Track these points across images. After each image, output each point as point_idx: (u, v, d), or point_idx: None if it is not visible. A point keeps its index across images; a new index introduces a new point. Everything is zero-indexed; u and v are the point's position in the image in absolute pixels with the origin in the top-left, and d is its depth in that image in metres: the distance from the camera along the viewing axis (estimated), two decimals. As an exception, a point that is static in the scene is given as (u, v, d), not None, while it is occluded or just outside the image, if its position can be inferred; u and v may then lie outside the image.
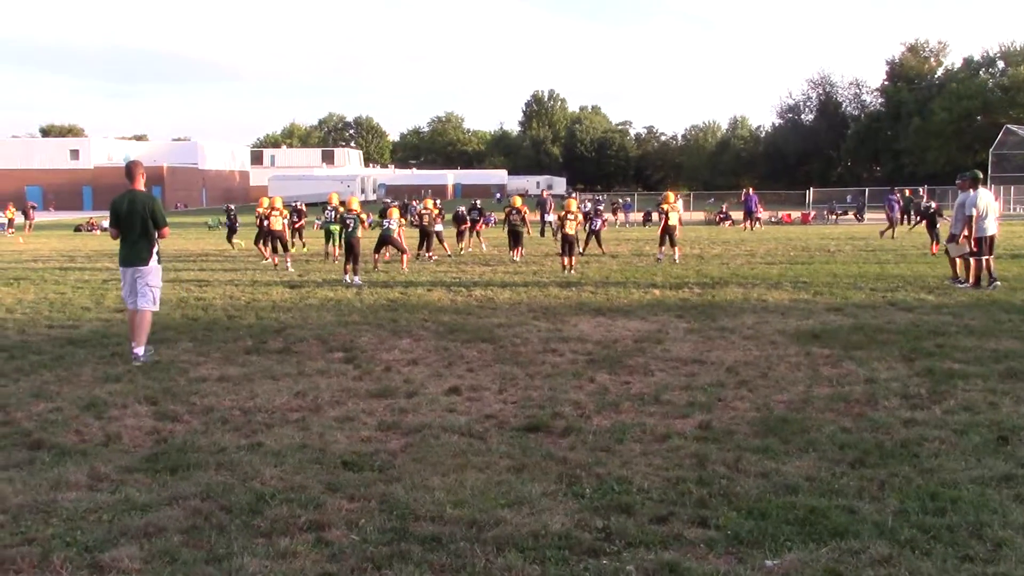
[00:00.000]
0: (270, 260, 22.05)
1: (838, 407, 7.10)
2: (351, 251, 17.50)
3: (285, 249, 20.97)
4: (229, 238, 28.50)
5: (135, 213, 9.45)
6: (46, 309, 13.66)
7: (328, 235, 22.90)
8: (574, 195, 42.91)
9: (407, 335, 10.84)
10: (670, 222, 21.42)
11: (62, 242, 35.20)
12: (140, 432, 6.65)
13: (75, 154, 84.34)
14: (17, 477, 5.60)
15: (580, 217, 20.70)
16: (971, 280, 14.82)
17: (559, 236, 20.87)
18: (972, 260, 14.81)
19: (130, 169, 9.73)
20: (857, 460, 5.73)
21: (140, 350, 9.35)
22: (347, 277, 17.28)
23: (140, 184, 9.69)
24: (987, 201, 14.80)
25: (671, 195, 23.00)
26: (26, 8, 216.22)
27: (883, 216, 33.76)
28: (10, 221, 45.68)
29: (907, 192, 37.98)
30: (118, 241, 9.67)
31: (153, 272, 9.55)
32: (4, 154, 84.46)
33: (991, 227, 14.74)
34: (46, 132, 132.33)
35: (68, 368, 8.97)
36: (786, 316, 12.02)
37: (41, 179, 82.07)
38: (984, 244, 14.68)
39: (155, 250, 9.60)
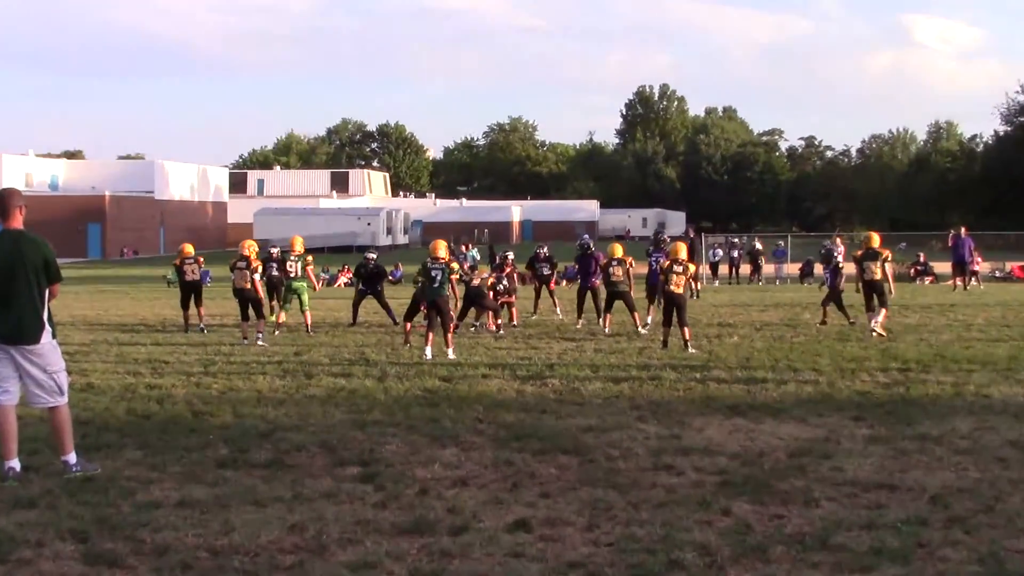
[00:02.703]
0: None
1: (1105, 559, 6.89)
2: (439, 313, 18.48)
3: (259, 315, 21.24)
4: None
5: (17, 265, 9.20)
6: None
7: (275, 293, 23.68)
8: (690, 234, 42.37)
9: (452, 442, 10.86)
10: (871, 276, 21.11)
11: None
12: (63, 582, 6.66)
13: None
14: None
15: (692, 269, 20.58)
16: None
17: (658, 298, 20.78)
18: None
19: (2, 201, 9.37)
20: None
21: (72, 456, 9.50)
22: (426, 351, 18.03)
23: (18, 222, 9.37)
24: None
25: (875, 236, 22.66)
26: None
27: None
28: None
29: None
30: None
31: (49, 351, 9.39)
32: None
33: None
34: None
35: (-37, 486, 9.08)
36: (1021, 419, 11.81)
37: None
38: None
39: (47, 318, 9.42)
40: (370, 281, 25.07)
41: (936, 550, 7.18)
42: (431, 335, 18.46)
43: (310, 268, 24.18)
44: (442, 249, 19.13)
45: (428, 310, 18.99)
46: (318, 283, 31.02)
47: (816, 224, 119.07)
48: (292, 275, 23.49)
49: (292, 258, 23.59)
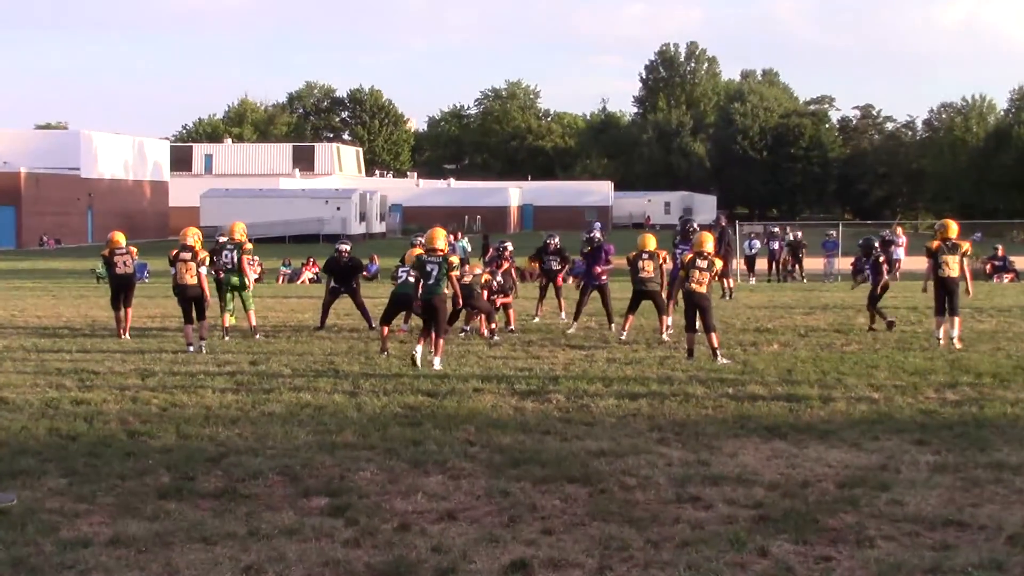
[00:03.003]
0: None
1: None
2: (433, 316, 18.39)
3: (201, 316, 21.06)
4: None
5: None
6: None
7: (223, 293, 23.43)
8: (722, 222, 42.35)
9: (438, 469, 10.91)
10: (948, 273, 20.93)
11: None
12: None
13: None
14: None
15: (718, 266, 20.41)
16: None
17: (676, 296, 20.70)
18: None
19: None
20: None
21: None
22: (416, 350, 18.16)
23: None
24: None
25: (953, 225, 22.46)
26: None
27: None
28: None
29: None
30: None
31: None
32: None
33: None
34: None
35: None
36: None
37: None
38: None
39: None
40: (344, 277, 24.69)
41: (1017, 603, 7.19)
42: (423, 338, 18.46)
43: (247, 258, 23.76)
44: (441, 239, 18.96)
45: (423, 311, 18.87)
46: (277, 278, 30.80)
47: (873, 210, 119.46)
48: (228, 266, 23.14)
49: (229, 246, 23.29)
